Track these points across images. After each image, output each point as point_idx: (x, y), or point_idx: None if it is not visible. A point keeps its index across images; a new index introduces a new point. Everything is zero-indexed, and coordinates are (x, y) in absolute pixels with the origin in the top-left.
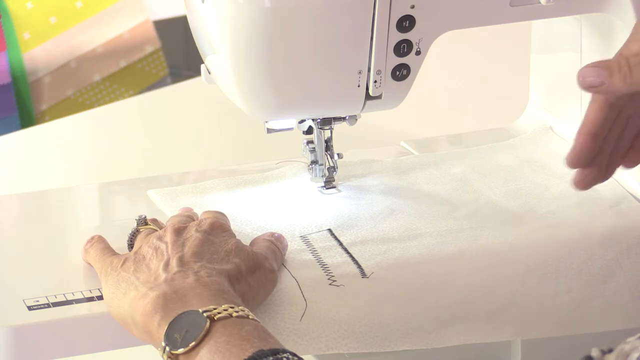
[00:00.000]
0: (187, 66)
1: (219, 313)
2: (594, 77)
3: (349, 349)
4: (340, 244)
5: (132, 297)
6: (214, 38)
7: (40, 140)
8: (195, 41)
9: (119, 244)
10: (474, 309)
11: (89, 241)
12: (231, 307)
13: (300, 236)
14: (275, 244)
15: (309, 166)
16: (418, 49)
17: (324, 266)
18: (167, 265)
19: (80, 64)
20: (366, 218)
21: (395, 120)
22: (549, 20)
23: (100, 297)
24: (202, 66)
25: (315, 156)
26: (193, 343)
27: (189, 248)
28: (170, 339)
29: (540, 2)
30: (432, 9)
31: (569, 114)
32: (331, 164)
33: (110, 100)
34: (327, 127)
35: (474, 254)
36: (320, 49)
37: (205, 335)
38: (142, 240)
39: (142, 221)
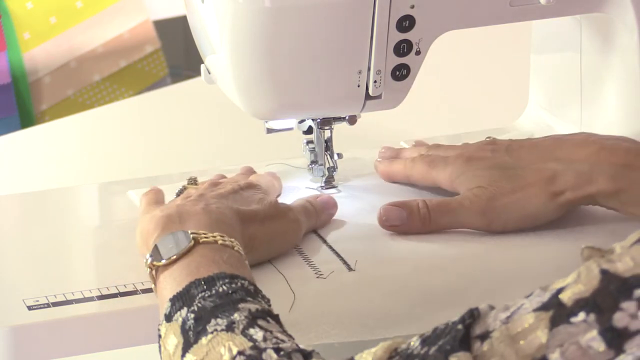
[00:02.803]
0: (187, 66)
1: (206, 237)
2: (395, 219)
3: (339, 339)
4: (325, 241)
5: (146, 218)
6: (214, 38)
7: (40, 140)
8: (195, 41)
9: (120, 244)
10: (466, 292)
11: (145, 193)
12: (221, 236)
13: None
14: (312, 202)
15: (308, 166)
16: (418, 49)
17: (310, 263)
18: (187, 197)
19: (80, 64)
20: (349, 216)
21: (395, 120)
22: (549, 20)
23: (100, 297)
24: (202, 66)
25: (315, 156)
26: (173, 257)
27: (216, 191)
28: (155, 252)
29: (540, 2)
30: (432, 9)
31: (568, 113)
32: (331, 164)
33: (110, 100)
34: (327, 127)
35: (463, 242)
36: (320, 49)
37: (185, 254)
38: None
39: (193, 180)
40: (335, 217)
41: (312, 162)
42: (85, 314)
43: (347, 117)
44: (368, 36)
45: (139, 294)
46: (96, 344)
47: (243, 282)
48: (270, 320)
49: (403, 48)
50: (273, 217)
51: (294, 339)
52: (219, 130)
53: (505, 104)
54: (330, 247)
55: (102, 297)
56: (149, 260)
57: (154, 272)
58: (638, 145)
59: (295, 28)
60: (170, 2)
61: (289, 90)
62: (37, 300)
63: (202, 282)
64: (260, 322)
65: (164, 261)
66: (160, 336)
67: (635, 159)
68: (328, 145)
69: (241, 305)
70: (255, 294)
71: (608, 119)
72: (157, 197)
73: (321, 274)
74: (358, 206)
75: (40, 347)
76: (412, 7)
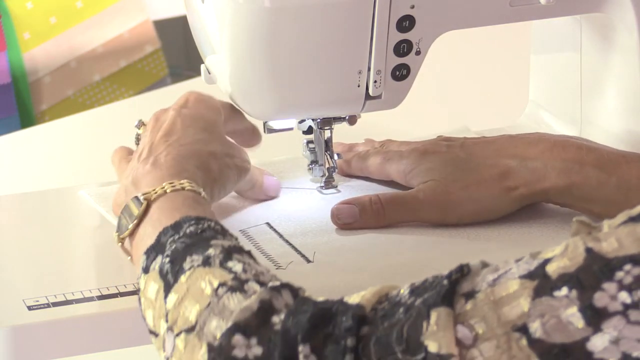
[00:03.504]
0: (187, 66)
1: (155, 193)
2: (347, 217)
3: None
4: (281, 236)
5: (119, 190)
6: (214, 38)
7: (40, 140)
8: (195, 41)
9: (118, 246)
10: (426, 264)
11: (115, 151)
12: (170, 184)
13: (240, 230)
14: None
15: (308, 166)
16: (418, 49)
17: (268, 256)
18: (140, 156)
19: (80, 64)
20: (304, 210)
21: (395, 120)
22: (549, 20)
23: (100, 297)
24: (202, 66)
25: (315, 156)
26: (131, 226)
27: (161, 130)
28: (120, 225)
29: (540, 2)
30: (432, 9)
31: (568, 113)
32: (331, 164)
33: (110, 100)
34: (327, 127)
35: (418, 234)
36: (320, 49)
37: (142, 216)
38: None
39: (140, 124)
40: (287, 211)
41: (312, 162)
42: (85, 314)
43: (347, 117)
44: (368, 36)
45: None
46: (96, 344)
47: (210, 222)
48: (244, 255)
49: (403, 48)
50: (228, 153)
51: (270, 271)
52: None
53: (505, 104)
54: (286, 241)
55: (102, 297)
56: (117, 234)
57: (125, 245)
58: (589, 143)
59: (295, 28)
60: (170, 2)
61: (289, 90)
62: (37, 300)
63: (170, 228)
64: (236, 255)
65: (126, 232)
66: (139, 290)
67: (587, 154)
68: (328, 145)
69: (213, 242)
70: (224, 232)
71: (608, 119)
72: (125, 154)
73: (280, 266)
74: (311, 202)
75: (40, 347)
76: (412, 7)
